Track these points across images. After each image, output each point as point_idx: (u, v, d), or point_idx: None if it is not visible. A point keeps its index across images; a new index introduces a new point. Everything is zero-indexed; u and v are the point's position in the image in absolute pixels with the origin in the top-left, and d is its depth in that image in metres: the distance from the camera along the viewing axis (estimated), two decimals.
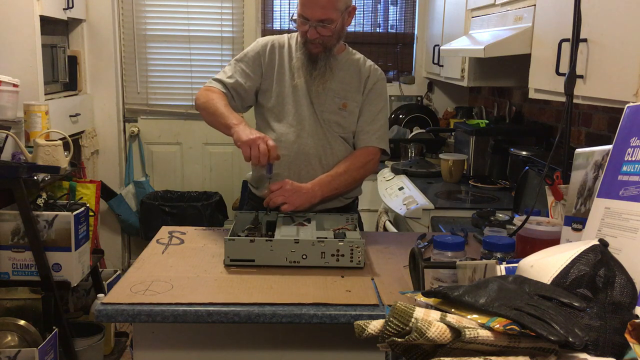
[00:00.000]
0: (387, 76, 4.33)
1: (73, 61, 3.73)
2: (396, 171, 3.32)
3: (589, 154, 1.27)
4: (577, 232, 1.23)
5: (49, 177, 2.73)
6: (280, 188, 1.94)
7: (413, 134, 3.88)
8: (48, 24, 3.33)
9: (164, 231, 2.05)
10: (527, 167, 2.37)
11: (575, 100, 1.73)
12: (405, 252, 1.54)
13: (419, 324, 0.85)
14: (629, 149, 1.09)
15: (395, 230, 2.88)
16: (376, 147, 2.13)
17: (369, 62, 2.18)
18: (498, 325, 0.83)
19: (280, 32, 4.14)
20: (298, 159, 2.08)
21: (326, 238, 1.73)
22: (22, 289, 2.69)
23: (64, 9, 3.41)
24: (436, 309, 0.97)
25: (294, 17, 2.02)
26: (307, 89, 2.08)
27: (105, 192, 3.84)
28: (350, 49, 2.20)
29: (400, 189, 3.00)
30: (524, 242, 1.50)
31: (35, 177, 2.64)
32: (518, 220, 1.59)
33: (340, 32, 2.04)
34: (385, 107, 2.18)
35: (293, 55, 2.11)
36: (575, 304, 0.88)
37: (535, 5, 2.17)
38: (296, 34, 2.15)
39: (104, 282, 3.16)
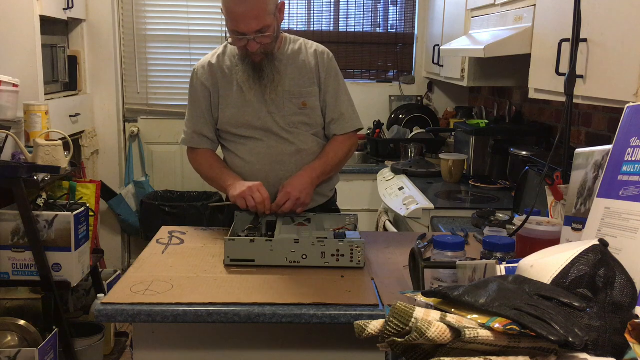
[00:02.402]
0: (387, 76, 4.33)
1: (73, 61, 3.72)
2: (396, 171, 3.32)
3: (589, 154, 1.27)
4: (577, 232, 1.23)
5: (49, 177, 2.73)
6: (288, 199, 1.93)
7: (413, 134, 3.88)
8: (48, 24, 3.33)
9: (164, 231, 2.05)
10: (527, 167, 2.37)
11: (575, 100, 1.73)
12: (405, 252, 1.54)
13: (419, 324, 0.85)
14: (629, 149, 1.09)
15: (395, 230, 2.88)
16: (355, 131, 2.14)
17: (312, 47, 2.09)
18: (498, 325, 0.83)
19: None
20: (274, 169, 2.04)
21: (326, 238, 1.73)
22: (22, 289, 2.70)
23: (64, 9, 3.41)
24: (436, 309, 0.97)
25: (228, 37, 1.92)
26: (261, 99, 2.02)
27: (105, 192, 3.84)
28: (288, 36, 2.10)
29: (400, 189, 3.00)
30: (524, 242, 1.50)
31: (35, 177, 2.64)
32: (518, 220, 1.59)
33: (277, 32, 1.97)
34: (343, 83, 2.12)
35: (232, 70, 2.03)
36: (575, 304, 0.88)
37: (535, 5, 2.17)
38: (226, 47, 2.08)
39: (104, 282, 3.16)
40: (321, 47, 2.11)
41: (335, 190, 2.27)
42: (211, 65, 2.07)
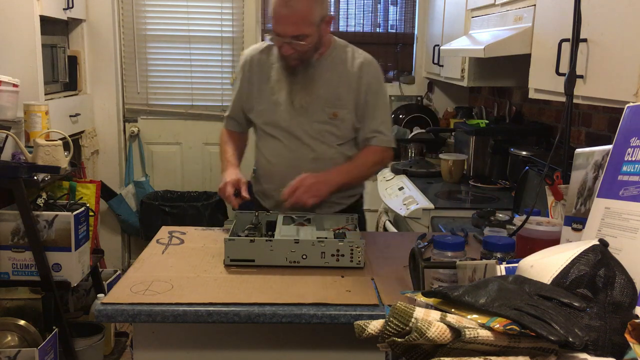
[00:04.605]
0: (387, 76, 4.33)
1: (73, 61, 3.73)
2: (396, 171, 3.32)
3: (589, 154, 1.27)
4: (577, 232, 1.23)
5: (49, 177, 2.73)
6: (301, 185, 1.89)
7: (413, 134, 3.88)
8: (48, 24, 3.33)
9: (164, 231, 2.05)
10: (527, 167, 2.37)
11: (575, 100, 1.73)
12: (405, 252, 1.54)
13: (419, 324, 0.85)
14: (629, 149, 1.09)
15: (395, 230, 2.88)
16: (391, 147, 2.11)
17: (359, 58, 2.06)
18: (498, 325, 0.83)
19: None
20: (291, 173, 2.02)
21: (326, 238, 1.73)
22: (22, 289, 2.70)
23: (64, 9, 3.41)
24: (436, 309, 0.97)
25: (268, 33, 1.96)
26: (290, 102, 2.01)
27: (105, 192, 3.84)
28: (338, 42, 2.08)
29: (400, 189, 3.00)
30: (524, 242, 1.50)
31: (35, 177, 2.64)
32: (518, 220, 1.59)
33: (317, 44, 1.95)
34: (386, 100, 2.10)
35: (272, 67, 2.04)
36: (575, 304, 0.88)
37: (535, 5, 2.17)
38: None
39: (104, 282, 3.16)
40: (369, 58, 2.07)
41: (360, 197, 2.25)
42: (252, 58, 2.10)
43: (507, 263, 1.16)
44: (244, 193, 1.98)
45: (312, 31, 1.89)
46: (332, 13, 1.97)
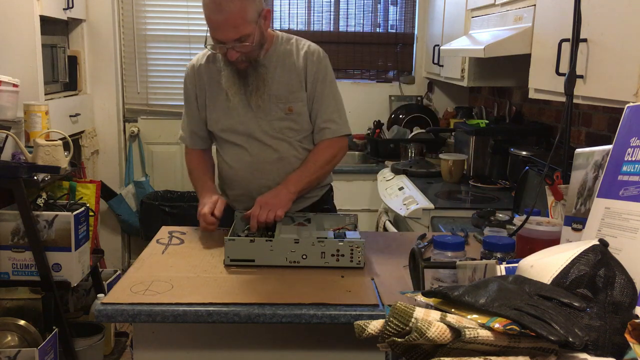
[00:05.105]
0: (387, 76, 4.33)
1: (73, 61, 3.73)
2: (396, 171, 3.32)
3: (589, 154, 1.27)
4: (577, 232, 1.23)
5: (49, 177, 2.73)
6: (259, 208, 1.87)
7: (413, 134, 3.88)
8: (48, 24, 3.33)
9: (164, 231, 2.05)
10: (527, 167, 2.37)
11: (575, 100, 1.73)
12: (405, 252, 1.54)
13: (419, 324, 0.85)
14: (629, 149, 1.09)
15: (395, 230, 2.88)
16: (342, 136, 2.06)
17: (303, 48, 2.01)
18: (498, 325, 0.83)
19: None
20: (256, 177, 2.02)
21: (326, 238, 1.73)
22: (22, 289, 2.70)
23: (64, 9, 3.41)
24: (436, 309, 0.97)
25: (207, 43, 1.87)
26: (246, 104, 1.97)
27: (105, 192, 3.84)
28: (280, 36, 2.03)
29: (400, 189, 3.00)
30: (524, 242, 1.50)
31: (35, 177, 2.64)
32: (518, 220, 1.59)
33: (261, 41, 1.90)
34: (331, 86, 2.03)
35: (220, 73, 1.98)
36: (575, 304, 0.88)
37: (535, 5, 2.17)
38: None
39: (104, 282, 3.16)
40: (312, 47, 2.02)
41: (329, 189, 2.22)
42: (199, 67, 2.04)
43: (507, 263, 1.16)
44: (217, 212, 1.92)
45: (252, 29, 1.83)
46: (268, 6, 1.92)
